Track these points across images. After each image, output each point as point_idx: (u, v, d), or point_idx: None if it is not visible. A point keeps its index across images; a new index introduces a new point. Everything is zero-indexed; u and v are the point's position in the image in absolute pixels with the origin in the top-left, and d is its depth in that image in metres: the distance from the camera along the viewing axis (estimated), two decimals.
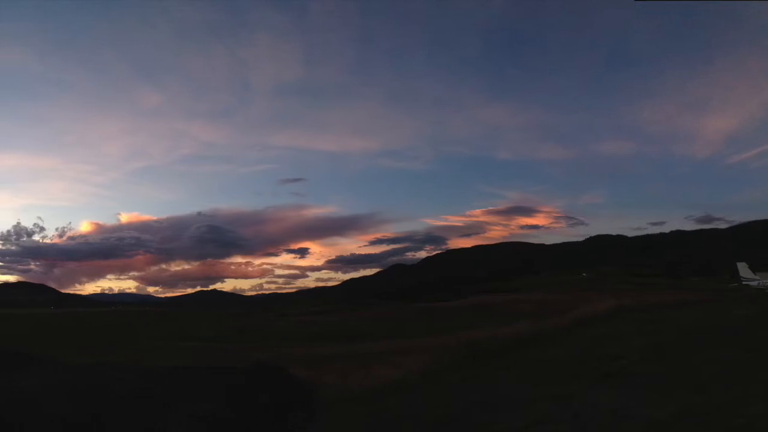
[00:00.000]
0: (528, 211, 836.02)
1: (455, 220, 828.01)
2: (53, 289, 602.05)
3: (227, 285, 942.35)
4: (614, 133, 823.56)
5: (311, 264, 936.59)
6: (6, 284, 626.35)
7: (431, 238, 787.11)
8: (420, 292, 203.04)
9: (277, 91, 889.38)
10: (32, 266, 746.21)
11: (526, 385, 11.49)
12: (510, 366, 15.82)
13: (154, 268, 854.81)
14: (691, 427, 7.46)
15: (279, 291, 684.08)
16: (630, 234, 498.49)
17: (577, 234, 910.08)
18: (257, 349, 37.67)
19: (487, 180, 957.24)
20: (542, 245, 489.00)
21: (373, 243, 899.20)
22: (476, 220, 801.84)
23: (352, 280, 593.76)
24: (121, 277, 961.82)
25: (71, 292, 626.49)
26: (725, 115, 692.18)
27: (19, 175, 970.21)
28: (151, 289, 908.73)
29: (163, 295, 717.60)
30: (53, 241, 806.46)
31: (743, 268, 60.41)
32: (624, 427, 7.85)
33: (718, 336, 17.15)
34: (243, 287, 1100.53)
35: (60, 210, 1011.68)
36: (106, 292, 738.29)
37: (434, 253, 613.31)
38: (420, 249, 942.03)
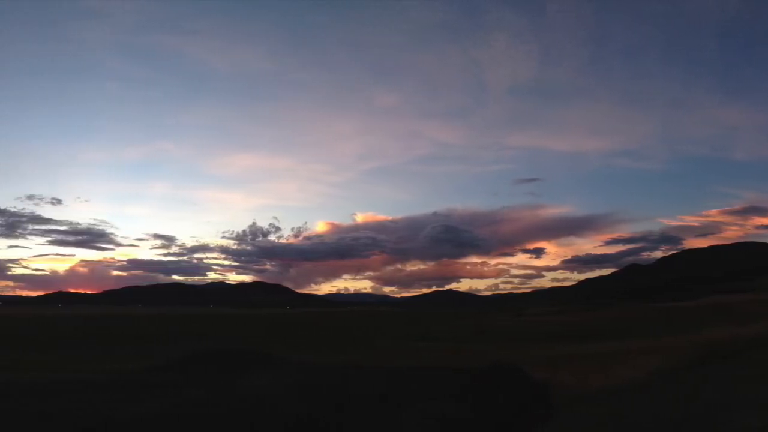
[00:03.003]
0: (764, 212, 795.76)
1: (691, 220, 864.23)
2: (289, 289, 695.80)
3: (462, 285, 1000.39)
4: None
5: (547, 264, 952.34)
6: (242, 284, 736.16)
7: (666, 238, 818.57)
8: (655, 292, 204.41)
9: (512, 91, 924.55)
10: (268, 266, 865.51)
11: (766, 385, 11.97)
12: (749, 366, 15.74)
13: (389, 268, 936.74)
14: None
15: (514, 291, 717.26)
16: None
17: None
18: (493, 349, 40.79)
19: (723, 180, 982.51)
20: None
21: (608, 243, 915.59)
22: (712, 220, 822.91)
23: (587, 280, 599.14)
24: (357, 277, 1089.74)
25: (307, 292, 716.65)
26: None
27: (255, 176, 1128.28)
28: (386, 290, 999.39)
29: (398, 295, 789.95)
30: (289, 241, 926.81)
31: None
32: None
33: None
34: (478, 287, 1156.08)
35: (295, 210, 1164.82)
36: (342, 292, 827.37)
37: (670, 253, 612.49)
38: (655, 249, 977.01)
